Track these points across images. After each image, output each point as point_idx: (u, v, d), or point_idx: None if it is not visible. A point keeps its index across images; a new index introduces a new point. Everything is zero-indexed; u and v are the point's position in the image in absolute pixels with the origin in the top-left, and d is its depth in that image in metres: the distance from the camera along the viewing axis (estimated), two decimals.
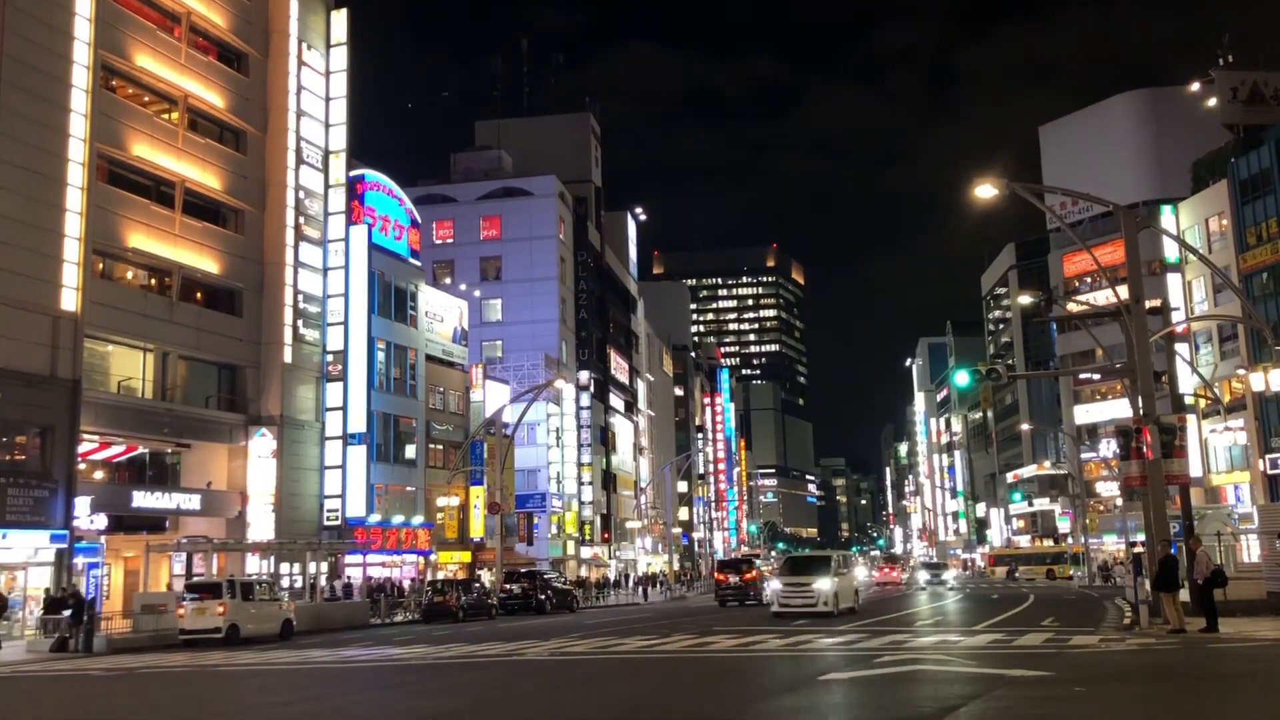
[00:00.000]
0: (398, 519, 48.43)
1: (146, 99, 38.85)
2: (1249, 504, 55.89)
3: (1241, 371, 52.10)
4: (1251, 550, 43.14)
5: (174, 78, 39.17)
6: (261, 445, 40.98)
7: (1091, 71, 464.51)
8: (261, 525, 40.17)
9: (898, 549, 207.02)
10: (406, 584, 46.66)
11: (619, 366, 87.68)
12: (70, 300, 33.14)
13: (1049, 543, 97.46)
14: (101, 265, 36.39)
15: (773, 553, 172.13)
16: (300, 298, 43.01)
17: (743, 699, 13.25)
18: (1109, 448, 68.94)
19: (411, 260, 52.52)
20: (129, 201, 37.19)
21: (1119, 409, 66.95)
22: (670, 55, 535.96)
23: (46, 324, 32.49)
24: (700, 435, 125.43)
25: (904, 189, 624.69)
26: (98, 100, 34.72)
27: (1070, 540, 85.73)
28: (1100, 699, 12.29)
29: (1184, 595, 21.92)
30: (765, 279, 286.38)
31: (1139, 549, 30.57)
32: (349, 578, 44.50)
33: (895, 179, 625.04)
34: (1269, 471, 54.89)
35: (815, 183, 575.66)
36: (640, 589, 61.90)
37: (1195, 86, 67.28)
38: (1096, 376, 77.44)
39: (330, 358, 44.79)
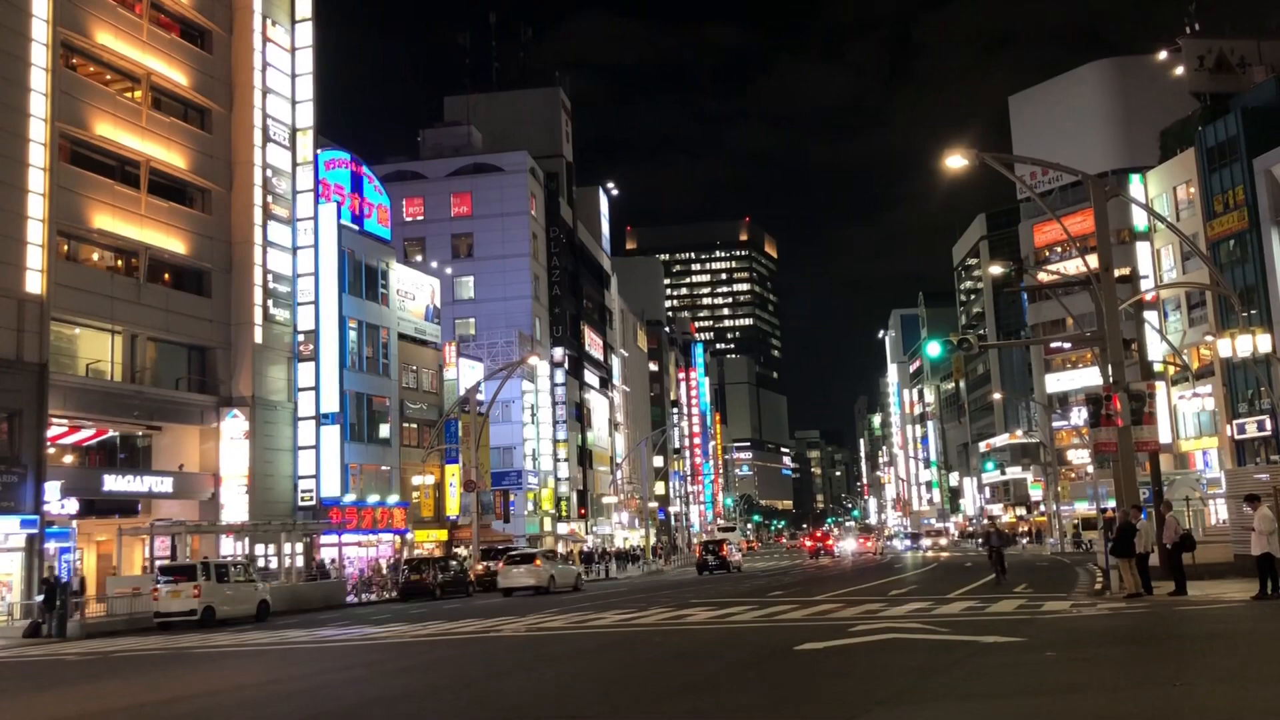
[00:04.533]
0: (373, 498, 48.32)
1: (108, 77, 38.26)
2: (1217, 469, 56.71)
3: (1209, 338, 52.67)
4: (1219, 514, 43.76)
5: (136, 55, 38.58)
6: (234, 426, 40.71)
7: (1055, 39, 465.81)
8: (235, 507, 39.96)
9: (872, 519, 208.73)
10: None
11: (593, 342, 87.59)
12: (35, 283, 32.71)
13: (1021, 511, 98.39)
14: (66, 247, 35.91)
15: (749, 525, 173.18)
16: (270, 277, 42.64)
17: (716, 671, 13.32)
18: (1080, 415, 69.53)
19: (382, 238, 52.15)
20: (93, 182, 36.68)
21: (1089, 377, 67.54)
22: (631, 27, 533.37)
23: (11, 307, 32.07)
24: (675, 410, 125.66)
25: (873, 160, 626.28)
26: (58, 79, 34.16)
27: (1043, 507, 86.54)
28: (1072, 663, 12.43)
29: (1154, 560, 22.19)
30: (738, 253, 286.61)
31: (1111, 514, 30.91)
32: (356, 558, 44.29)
33: (864, 150, 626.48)
34: (1236, 437, 55.65)
35: (784, 155, 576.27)
36: (605, 564, 60.88)
37: (1163, 55, 67.65)
38: (1067, 345, 78.05)
39: (301, 337, 44.47)
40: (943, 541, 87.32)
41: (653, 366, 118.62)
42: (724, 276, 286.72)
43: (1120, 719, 8.96)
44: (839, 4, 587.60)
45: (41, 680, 17.41)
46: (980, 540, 60.69)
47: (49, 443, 33.67)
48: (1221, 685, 10.47)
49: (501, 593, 37.25)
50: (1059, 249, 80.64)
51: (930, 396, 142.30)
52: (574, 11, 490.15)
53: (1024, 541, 72.83)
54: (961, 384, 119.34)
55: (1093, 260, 26.82)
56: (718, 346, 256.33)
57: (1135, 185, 65.08)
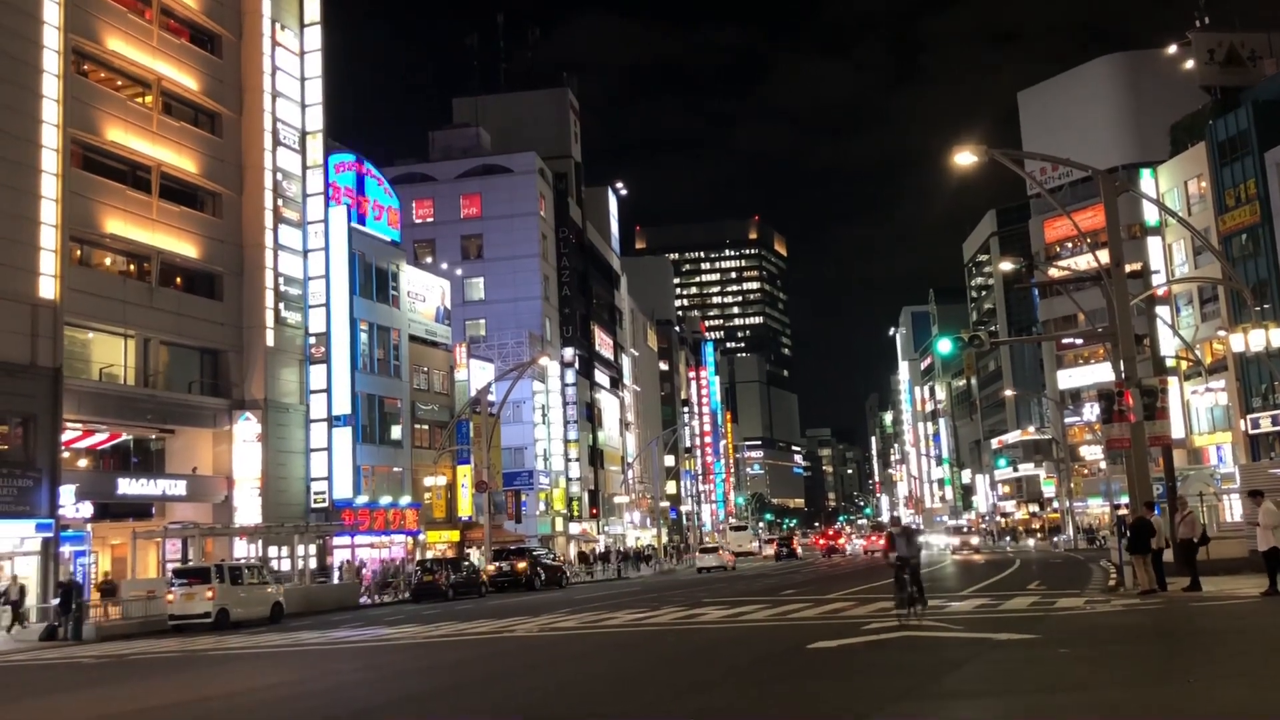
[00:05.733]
0: (385, 500, 48.42)
1: (119, 83, 38.44)
2: (1231, 464, 56.46)
3: (1222, 333, 52.43)
4: (1234, 509, 43.56)
5: (146, 61, 38.76)
6: (246, 429, 40.85)
7: (1062, 33, 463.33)
8: (248, 509, 40.10)
9: (884, 517, 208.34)
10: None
11: (603, 342, 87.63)
12: (48, 288, 32.88)
13: (1034, 508, 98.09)
14: (79, 252, 36.11)
15: (760, 523, 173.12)
16: (281, 280, 42.78)
17: (728, 670, 13.33)
18: (1092, 411, 69.36)
19: (392, 240, 52.27)
20: (105, 187, 36.86)
21: (1101, 373, 67.34)
22: (635, 27, 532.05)
23: (25, 312, 32.24)
24: (686, 409, 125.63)
25: (881, 157, 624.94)
26: (70, 85, 34.33)
27: (1055, 503, 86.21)
28: (1086, 659, 12.42)
29: (1168, 556, 22.12)
30: (748, 252, 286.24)
31: (1124, 511, 30.83)
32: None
33: (871, 147, 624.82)
34: (1250, 431, 55.39)
35: (791, 153, 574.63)
36: (619, 565, 61.44)
37: (1172, 49, 67.39)
38: (1079, 341, 77.78)
39: (313, 340, 44.61)
40: (974, 541, 70.20)
41: (663, 366, 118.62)
42: (734, 275, 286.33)
43: (1134, 716, 8.95)
44: (842, 0, 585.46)
45: (60, 683, 17.51)
46: (885, 549, 32.98)
47: (63, 447, 33.83)
48: (1236, 681, 10.45)
49: (697, 570, 54.64)
50: (1070, 244, 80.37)
51: (942, 393, 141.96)
52: (578, 12, 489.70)
53: (1058, 539, 72.03)
54: (973, 380, 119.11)
55: (1104, 256, 26.76)
56: (728, 345, 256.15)
57: (1146, 180, 64.84)
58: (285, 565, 38.17)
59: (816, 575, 40.40)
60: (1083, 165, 31.79)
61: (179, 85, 40.18)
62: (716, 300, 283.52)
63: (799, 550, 72.81)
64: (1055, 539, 72.30)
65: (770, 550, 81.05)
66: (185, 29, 41.19)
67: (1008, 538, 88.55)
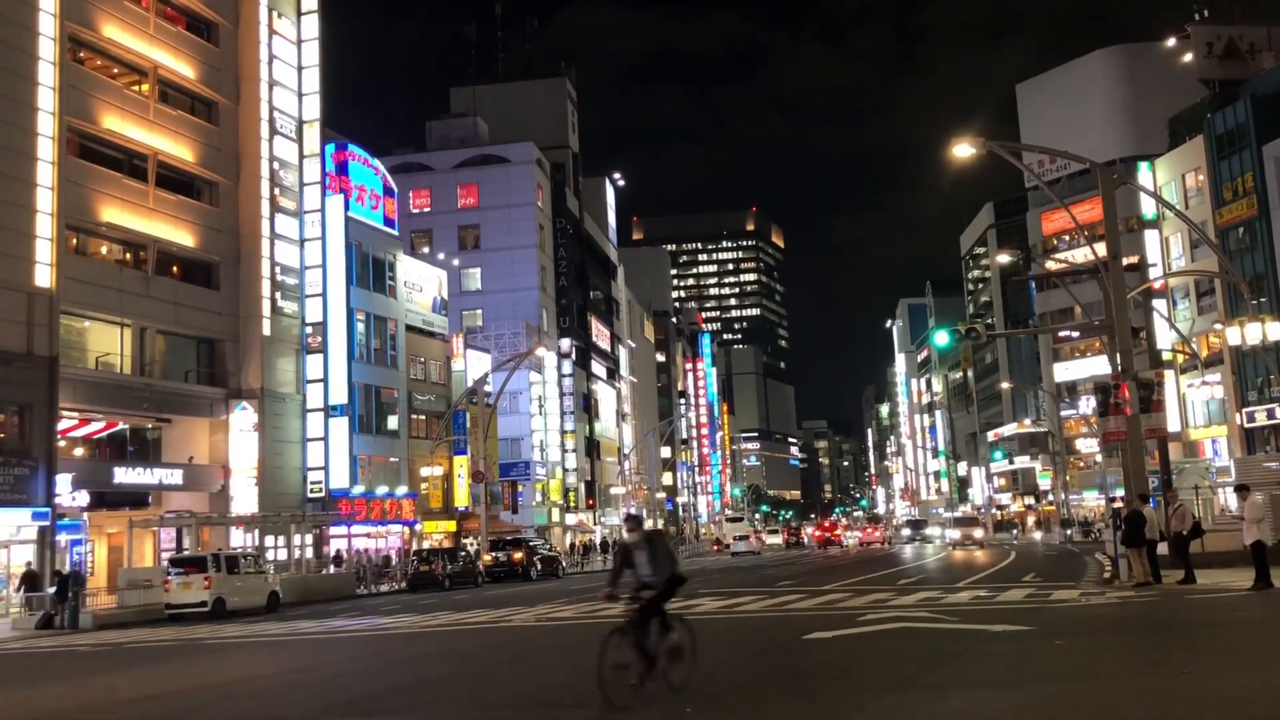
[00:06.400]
0: (382, 490, 48.43)
1: (115, 71, 38.33)
2: (1226, 457, 56.56)
3: (1218, 326, 52.50)
4: (1229, 503, 43.62)
5: (143, 49, 38.64)
6: (242, 419, 40.83)
7: (1062, 25, 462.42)
8: (245, 499, 40.11)
9: (880, 509, 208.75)
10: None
11: (600, 333, 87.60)
12: (45, 276, 32.82)
13: (1030, 500, 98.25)
14: (75, 240, 36.03)
15: (757, 515, 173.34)
16: (278, 269, 42.73)
17: (724, 660, 13.36)
18: (1088, 404, 69.43)
19: (389, 230, 52.19)
20: (101, 175, 36.77)
21: (1098, 366, 67.38)
22: (634, 16, 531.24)
23: (21, 301, 32.19)
24: (683, 400, 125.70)
25: (880, 148, 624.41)
26: (66, 73, 34.23)
27: (1051, 496, 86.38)
28: (1081, 651, 12.45)
29: (1163, 548, 22.16)
30: (745, 243, 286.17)
31: (1118, 504, 30.88)
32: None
33: (870, 138, 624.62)
34: (1246, 425, 55.51)
35: (790, 143, 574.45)
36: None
37: (1171, 42, 67.39)
38: (1075, 334, 77.74)
39: (309, 330, 44.57)
40: (978, 534, 60.67)
41: (660, 357, 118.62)
42: (731, 266, 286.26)
43: (1129, 706, 8.98)
44: None
45: (56, 671, 17.51)
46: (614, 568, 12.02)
47: (59, 435, 33.82)
48: (1230, 672, 10.48)
49: (731, 554, 63.40)
50: (1067, 237, 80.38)
51: (938, 386, 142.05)
52: (576, 1, 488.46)
53: (1069, 531, 71.76)
54: (969, 373, 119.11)
55: (1101, 248, 26.77)
56: (725, 337, 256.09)
57: (1144, 173, 64.82)
58: (282, 555, 38.18)
59: (813, 567, 40.47)
60: (1080, 158, 31.81)
61: (176, 73, 40.07)
62: (714, 291, 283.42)
63: (804, 539, 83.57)
64: (1067, 531, 72.04)
65: (775, 540, 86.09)
66: (182, 17, 41.08)
67: (1014, 530, 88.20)
